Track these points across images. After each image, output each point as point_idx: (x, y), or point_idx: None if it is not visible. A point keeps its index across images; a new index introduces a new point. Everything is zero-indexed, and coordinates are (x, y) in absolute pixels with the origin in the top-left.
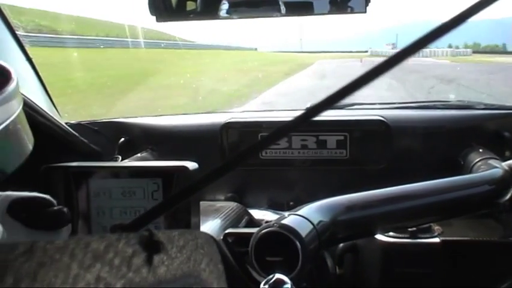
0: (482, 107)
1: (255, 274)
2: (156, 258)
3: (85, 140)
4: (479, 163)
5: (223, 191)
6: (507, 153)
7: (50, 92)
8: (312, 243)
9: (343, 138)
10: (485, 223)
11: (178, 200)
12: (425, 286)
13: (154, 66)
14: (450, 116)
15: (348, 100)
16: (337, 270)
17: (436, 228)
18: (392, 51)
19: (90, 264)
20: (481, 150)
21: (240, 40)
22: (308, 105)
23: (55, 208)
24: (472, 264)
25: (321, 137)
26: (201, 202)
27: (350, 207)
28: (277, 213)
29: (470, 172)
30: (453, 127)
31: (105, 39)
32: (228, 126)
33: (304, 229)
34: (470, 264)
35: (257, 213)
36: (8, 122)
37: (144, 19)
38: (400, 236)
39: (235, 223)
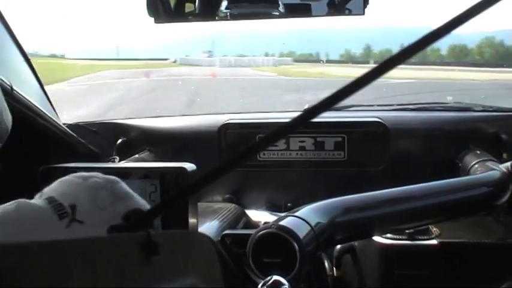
0: (480, 109)
1: (252, 275)
2: (154, 259)
3: (83, 141)
4: (476, 165)
5: (221, 192)
6: (505, 155)
7: (47, 93)
8: (309, 245)
9: (341, 140)
10: (483, 225)
11: (175, 201)
12: None
13: None
14: (448, 118)
15: (346, 102)
16: (335, 271)
17: (434, 230)
18: (208, 59)
19: (87, 264)
20: (478, 152)
21: None
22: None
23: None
24: (470, 266)
25: (319, 139)
26: (199, 203)
27: (348, 209)
28: (275, 215)
29: (467, 174)
30: (451, 129)
31: None
32: (226, 127)
33: (302, 230)
34: (468, 266)
35: (255, 215)
36: None
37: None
38: (398, 237)
39: (233, 224)
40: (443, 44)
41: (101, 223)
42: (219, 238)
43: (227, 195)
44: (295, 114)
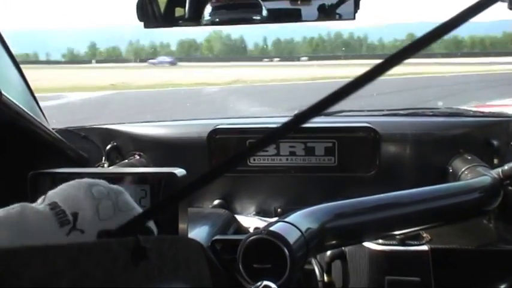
0: (471, 114)
1: (242, 281)
2: (143, 264)
3: (72, 146)
4: (467, 171)
5: (211, 197)
6: (495, 161)
7: (37, 98)
8: (300, 251)
9: (332, 145)
10: (474, 231)
11: (165, 207)
12: None
13: None
14: (439, 123)
15: (336, 107)
16: (325, 277)
17: (425, 235)
18: None
19: (77, 268)
20: (469, 158)
21: None
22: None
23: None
24: (461, 272)
25: (309, 144)
26: (189, 209)
27: (338, 215)
28: (265, 220)
29: (458, 179)
30: (442, 134)
31: None
32: (216, 132)
33: (292, 236)
34: (458, 272)
35: (245, 220)
36: None
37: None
38: (389, 243)
39: (223, 230)
40: None
41: None
42: (209, 244)
43: (217, 201)
44: (286, 120)
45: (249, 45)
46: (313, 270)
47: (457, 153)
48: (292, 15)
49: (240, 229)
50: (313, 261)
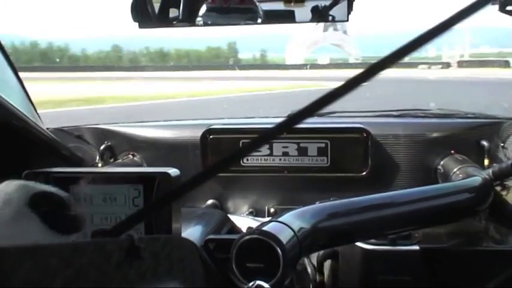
0: (462, 115)
1: (236, 281)
2: (137, 263)
3: (66, 146)
4: (458, 171)
5: (205, 197)
6: (486, 162)
7: (31, 97)
8: (292, 250)
9: (324, 146)
10: (465, 231)
11: (159, 206)
12: None
13: None
14: (430, 124)
15: (329, 108)
16: (318, 276)
17: (416, 235)
18: None
19: (71, 267)
20: (460, 158)
21: None
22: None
23: (75, 213)
24: (452, 272)
25: (302, 144)
26: (182, 208)
27: (331, 215)
28: (259, 220)
29: (449, 180)
30: (433, 135)
31: None
32: (210, 133)
33: (285, 236)
34: (449, 271)
35: (238, 220)
36: None
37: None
38: (380, 243)
39: (216, 230)
40: None
41: None
42: (203, 243)
43: (211, 201)
44: (279, 120)
45: None
46: (306, 269)
47: (448, 154)
48: (285, 17)
49: (234, 229)
50: (306, 260)
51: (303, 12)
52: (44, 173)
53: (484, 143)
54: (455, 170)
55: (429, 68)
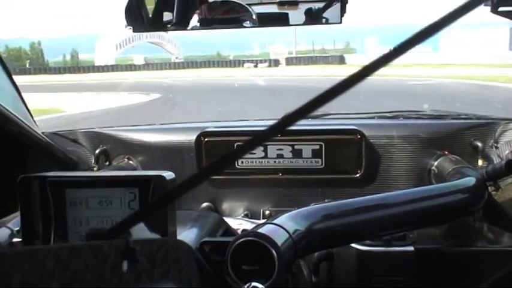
0: (455, 116)
1: (231, 283)
2: (132, 265)
3: (62, 150)
4: (452, 171)
5: (200, 200)
6: (480, 162)
7: (26, 102)
8: (287, 252)
9: (319, 148)
10: (459, 231)
11: (154, 209)
12: None
13: None
14: (424, 126)
15: (323, 110)
16: (313, 278)
17: (411, 236)
18: None
19: (67, 269)
20: (454, 159)
21: None
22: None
23: None
24: (446, 272)
25: (296, 146)
26: (177, 211)
27: (326, 216)
28: (254, 222)
29: (444, 181)
30: (427, 136)
31: None
32: (204, 135)
33: (280, 238)
34: (444, 272)
35: (233, 222)
36: None
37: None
38: (375, 244)
39: (211, 232)
40: None
41: None
42: (198, 246)
43: (206, 203)
44: (273, 122)
45: None
46: (302, 271)
47: (442, 155)
48: (279, 20)
49: (229, 231)
50: (301, 262)
51: (296, 15)
52: (39, 177)
53: (478, 143)
54: (449, 170)
55: (255, 66)
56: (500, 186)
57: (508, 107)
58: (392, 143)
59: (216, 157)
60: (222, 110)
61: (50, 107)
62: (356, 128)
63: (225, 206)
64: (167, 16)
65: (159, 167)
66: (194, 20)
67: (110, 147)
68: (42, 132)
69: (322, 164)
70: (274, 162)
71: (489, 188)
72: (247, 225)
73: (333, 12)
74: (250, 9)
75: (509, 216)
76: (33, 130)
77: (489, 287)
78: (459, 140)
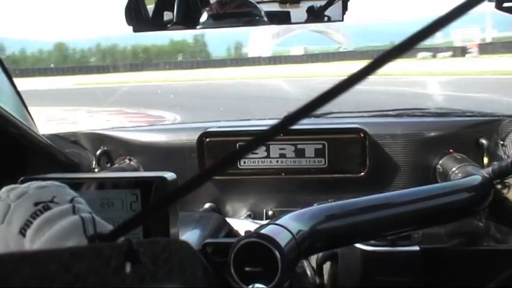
0: (460, 114)
1: (234, 284)
2: (135, 267)
3: (62, 151)
4: (457, 170)
5: (202, 201)
6: (485, 160)
7: (26, 103)
8: (291, 253)
9: (322, 147)
10: (465, 231)
11: (156, 210)
12: None
13: None
14: (428, 124)
15: (325, 108)
16: (317, 279)
17: (416, 236)
18: None
19: (69, 273)
20: (459, 157)
21: None
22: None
23: None
24: (452, 272)
25: (299, 146)
26: (180, 212)
27: (329, 216)
28: (257, 223)
29: (449, 179)
30: (431, 134)
31: None
32: (206, 135)
33: (283, 239)
34: (450, 272)
35: (236, 223)
36: None
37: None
38: (380, 244)
39: (214, 233)
40: None
41: None
42: (200, 247)
43: (208, 204)
44: (275, 122)
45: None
46: (305, 272)
47: (447, 153)
48: (281, 18)
49: (231, 232)
50: (305, 263)
51: (298, 13)
52: (39, 179)
53: (483, 141)
54: (454, 169)
55: (434, 56)
56: (507, 185)
57: None
58: (396, 142)
59: (218, 157)
60: None
61: None
62: (359, 126)
63: (228, 206)
64: (168, 16)
65: (161, 167)
66: (197, 19)
67: (111, 148)
68: (43, 134)
69: (325, 164)
70: (277, 162)
71: (495, 186)
72: (250, 225)
73: (334, 9)
74: (258, 6)
75: None
76: (34, 132)
77: (497, 286)
78: (464, 138)
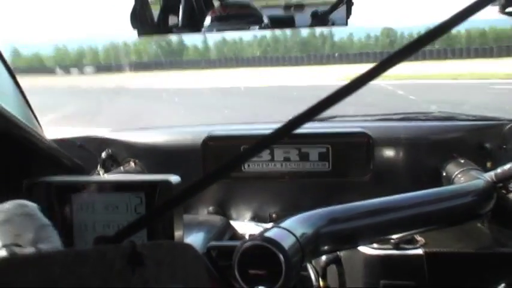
0: (464, 118)
1: (238, 287)
2: (139, 270)
3: (68, 155)
4: (460, 174)
5: (207, 204)
6: (488, 164)
7: (32, 106)
8: (295, 256)
9: (326, 151)
10: (468, 234)
11: (161, 213)
12: None
13: None
14: (432, 128)
15: (329, 112)
16: (321, 282)
17: (419, 239)
18: None
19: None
20: (462, 161)
21: None
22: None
23: None
24: (455, 276)
25: (303, 150)
26: (184, 215)
27: (333, 219)
28: (261, 226)
29: (452, 183)
30: (435, 138)
31: None
32: (210, 139)
33: (287, 242)
34: (453, 275)
35: (240, 226)
36: None
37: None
38: (383, 247)
39: (218, 236)
40: None
41: None
42: (205, 250)
43: (212, 207)
44: (279, 125)
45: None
46: (309, 275)
47: (450, 157)
48: (286, 23)
49: (236, 235)
50: (309, 266)
51: (302, 17)
52: (45, 182)
53: (486, 145)
54: (457, 173)
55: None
56: (510, 189)
57: None
58: (400, 145)
59: (223, 161)
60: None
61: None
62: (363, 130)
63: (232, 209)
64: (173, 20)
65: (165, 170)
66: (201, 23)
67: (116, 151)
68: (48, 138)
69: (329, 167)
70: (281, 165)
71: (499, 190)
72: (255, 228)
73: (339, 14)
74: (263, 11)
75: None
76: (39, 135)
77: None
78: (468, 142)
